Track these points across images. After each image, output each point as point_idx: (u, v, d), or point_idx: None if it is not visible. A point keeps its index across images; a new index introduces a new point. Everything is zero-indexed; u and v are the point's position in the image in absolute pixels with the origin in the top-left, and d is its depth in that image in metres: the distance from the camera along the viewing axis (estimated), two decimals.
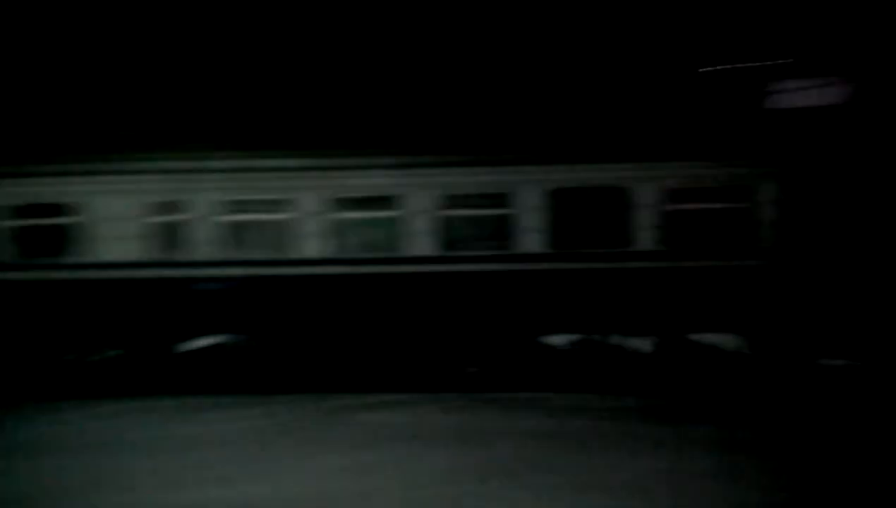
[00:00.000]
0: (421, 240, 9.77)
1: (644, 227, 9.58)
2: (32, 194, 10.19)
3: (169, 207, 10.11)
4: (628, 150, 9.82)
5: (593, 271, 9.65)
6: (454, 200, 9.79)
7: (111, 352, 10.63)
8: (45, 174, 10.21)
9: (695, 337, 9.75)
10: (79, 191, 10.15)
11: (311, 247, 9.91)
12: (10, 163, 10.44)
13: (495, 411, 8.43)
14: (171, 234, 10.14)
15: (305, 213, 9.87)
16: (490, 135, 10.20)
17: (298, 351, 10.33)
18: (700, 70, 10.34)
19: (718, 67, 10.16)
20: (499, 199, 9.77)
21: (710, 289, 9.54)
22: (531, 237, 9.68)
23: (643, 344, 9.88)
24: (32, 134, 11.44)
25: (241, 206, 10.06)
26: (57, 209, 10.18)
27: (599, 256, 9.68)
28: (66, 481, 6.16)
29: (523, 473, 5.63)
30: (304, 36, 12.54)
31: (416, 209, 9.76)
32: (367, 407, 8.82)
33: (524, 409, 8.59)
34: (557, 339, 10.08)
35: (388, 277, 9.86)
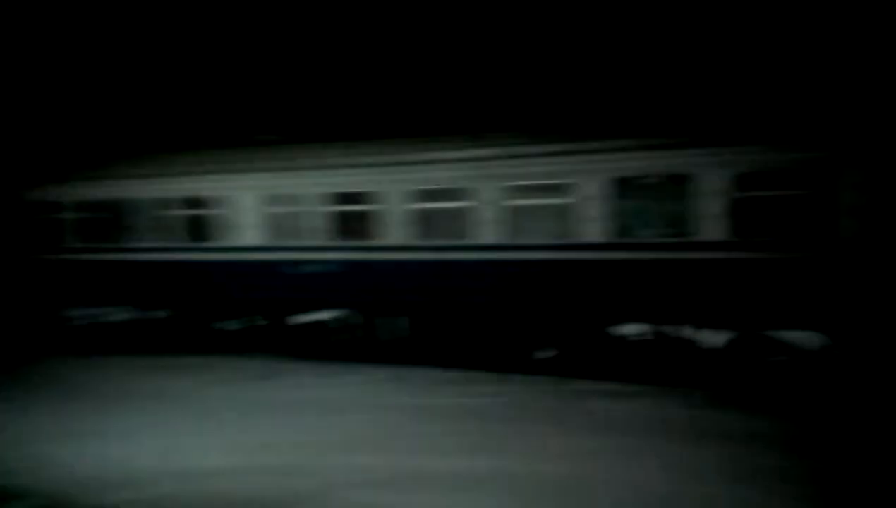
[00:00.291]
0: (488, 229, 10.34)
1: (711, 216, 9.06)
2: (192, 189, 12.54)
3: (286, 200, 11.78)
4: (693, 135, 9.23)
5: (659, 262, 9.39)
6: (519, 191, 10.13)
7: (260, 321, 12.89)
8: (201, 173, 12.52)
9: (772, 333, 9.12)
10: (222, 186, 12.28)
11: (397, 236, 11.01)
12: (175, 164, 13.01)
13: (731, 409, 8.19)
14: (287, 223, 11.81)
15: (389, 205, 10.97)
16: (556, 124, 10.23)
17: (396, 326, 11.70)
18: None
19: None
20: (561, 189, 9.91)
21: (784, 282, 8.81)
22: (595, 226, 9.69)
23: (716, 339, 9.51)
24: (190, 139, 14.06)
25: (343, 198, 11.41)
26: (207, 202, 12.42)
27: (665, 246, 9.35)
28: (343, 438, 7.34)
29: (783, 479, 5.65)
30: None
31: (484, 200, 10.29)
32: (603, 395, 8.83)
33: (745, 408, 8.28)
34: (629, 330, 10.09)
35: (462, 264, 10.63)
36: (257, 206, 11.96)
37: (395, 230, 10.92)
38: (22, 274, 14.48)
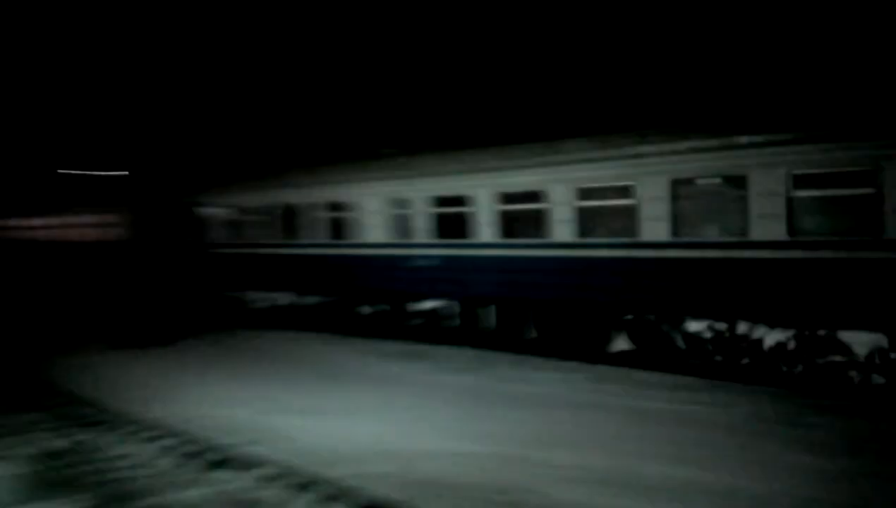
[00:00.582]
0: (561, 228, 11.14)
1: (766, 216, 8.98)
2: (333, 196, 14.83)
3: (401, 203, 13.56)
4: (748, 136, 9.15)
5: (717, 260, 9.49)
6: (588, 193, 10.77)
7: (382, 307, 14.82)
8: (338, 181, 14.79)
9: (829, 332, 8.85)
10: (354, 192, 14.45)
11: (485, 234, 12.17)
12: (319, 174, 15.48)
13: None
14: (402, 224, 13.55)
15: (479, 207, 12.18)
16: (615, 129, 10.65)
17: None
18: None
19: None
20: (626, 191, 10.36)
21: (838, 282, 8.51)
22: (656, 225, 10.01)
23: (776, 337, 9.38)
24: (329, 153, 16.58)
25: (442, 201, 12.87)
26: (344, 206, 14.63)
27: (723, 245, 9.45)
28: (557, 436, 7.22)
29: None
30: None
31: (558, 201, 11.13)
32: (820, 410, 7.96)
33: None
34: (695, 326, 10.17)
35: (538, 259, 11.52)
36: (379, 209, 13.95)
37: (484, 229, 12.15)
38: (204, 265, 18.06)
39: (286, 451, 7.30)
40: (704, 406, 8.34)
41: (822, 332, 8.95)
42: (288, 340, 14.48)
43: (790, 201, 8.82)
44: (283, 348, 13.62)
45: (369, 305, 14.90)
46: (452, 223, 12.78)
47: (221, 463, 7.14)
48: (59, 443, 7.90)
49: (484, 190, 12.14)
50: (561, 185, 11.07)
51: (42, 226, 28.65)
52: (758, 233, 9.09)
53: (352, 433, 7.84)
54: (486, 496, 5.88)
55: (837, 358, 8.89)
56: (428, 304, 13.91)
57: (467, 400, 9.14)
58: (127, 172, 30.44)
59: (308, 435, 7.83)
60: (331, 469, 6.62)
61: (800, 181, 8.74)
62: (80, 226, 25.11)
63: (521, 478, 6.16)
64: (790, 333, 9.26)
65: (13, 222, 32.07)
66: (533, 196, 11.49)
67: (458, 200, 12.61)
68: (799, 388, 8.98)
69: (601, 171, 10.61)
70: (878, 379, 8.73)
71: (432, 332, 13.72)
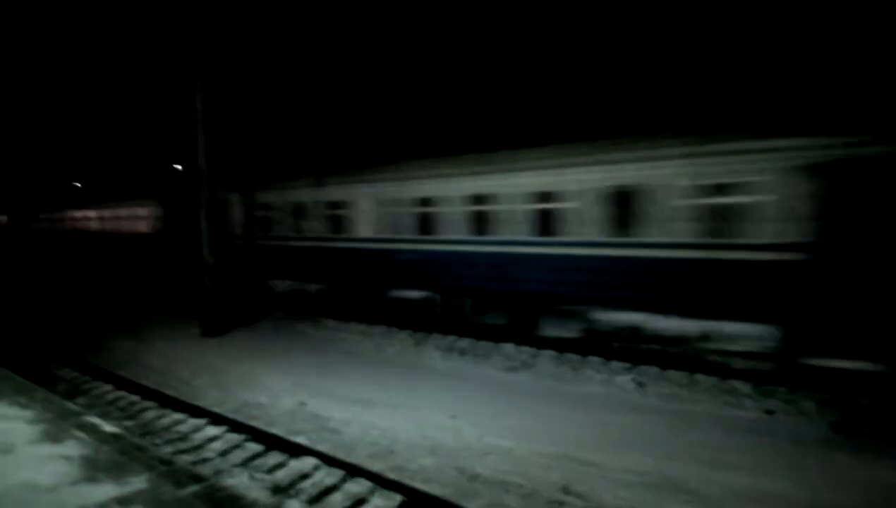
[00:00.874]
0: (514, 227, 12.60)
1: (668, 220, 10.27)
2: (331, 195, 16.57)
3: (390, 203, 15.07)
4: (657, 151, 10.42)
5: (636, 258, 10.90)
6: (537, 196, 12.31)
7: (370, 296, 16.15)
8: (336, 183, 16.55)
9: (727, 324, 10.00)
10: (351, 193, 16.10)
11: (458, 231, 13.76)
12: (320, 177, 17.09)
13: None
14: (390, 221, 15.16)
15: (453, 207, 13.67)
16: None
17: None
18: None
19: None
20: (566, 196, 11.70)
21: (735, 280, 9.76)
22: (594, 227, 11.43)
23: (677, 327, 10.60)
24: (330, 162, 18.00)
25: (423, 202, 14.34)
26: (340, 204, 16.20)
27: (641, 245, 10.82)
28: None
29: None
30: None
31: (512, 203, 12.57)
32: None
33: None
34: (607, 316, 11.35)
35: (490, 255, 13.02)
36: (371, 208, 15.46)
37: (456, 227, 13.66)
38: (237, 256, 19.99)
39: (330, 442, 7.59)
40: (761, 413, 8.56)
41: (717, 323, 10.19)
42: (325, 329, 15.51)
43: (688, 208, 10.10)
44: (322, 337, 14.68)
45: (369, 293, 16.44)
46: (431, 221, 14.35)
47: (267, 452, 7.52)
48: (112, 427, 8.13)
49: (455, 192, 13.67)
50: (515, 189, 12.52)
51: (91, 217, 31.02)
52: (662, 235, 10.42)
53: (397, 426, 8.01)
54: (527, 493, 5.93)
55: (728, 348, 10.15)
56: (413, 294, 15.33)
57: (512, 397, 9.26)
58: (180, 167, 32.39)
59: (355, 426, 8.08)
60: (372, 462, 6.89)
61: (697, 191, 9.99)
62: (125, 219, 27.14)
63: (586, 480, 6.12)
64: (692, 323, 10.48)
65: (69, 214, 34.80)
66: (492, 198, 12.97)
67: (433, 200, 14.12)
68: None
69: (545, 178, 12.06)
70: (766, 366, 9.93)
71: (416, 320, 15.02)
